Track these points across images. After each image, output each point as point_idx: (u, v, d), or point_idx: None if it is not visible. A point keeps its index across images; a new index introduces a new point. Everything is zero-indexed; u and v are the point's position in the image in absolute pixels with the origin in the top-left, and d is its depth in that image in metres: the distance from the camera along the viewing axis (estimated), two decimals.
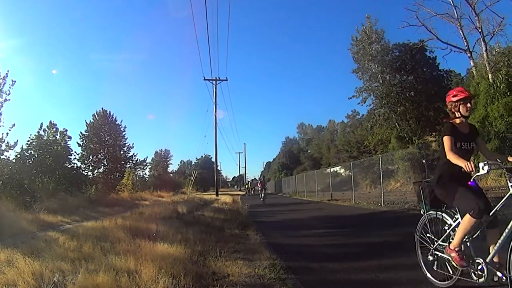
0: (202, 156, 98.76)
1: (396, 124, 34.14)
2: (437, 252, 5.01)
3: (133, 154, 54.50)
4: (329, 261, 7.06)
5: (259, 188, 32.85)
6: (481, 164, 4.09)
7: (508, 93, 21.01)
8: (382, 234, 10.43)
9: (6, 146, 19.36)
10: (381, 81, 35.07)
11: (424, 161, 25.26)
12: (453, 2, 28.02)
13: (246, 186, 37.27)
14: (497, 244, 4.13)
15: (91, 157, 50.45)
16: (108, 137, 51.94)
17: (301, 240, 10.13)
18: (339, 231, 9.94)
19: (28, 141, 23.39)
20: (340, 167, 41.76)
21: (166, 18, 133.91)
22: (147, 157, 63.17)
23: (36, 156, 22.66)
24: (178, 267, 5.67)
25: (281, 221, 16.29)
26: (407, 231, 10.87)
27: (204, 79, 43.76)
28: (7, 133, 18.72)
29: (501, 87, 21.39)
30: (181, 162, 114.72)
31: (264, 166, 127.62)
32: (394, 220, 14.32)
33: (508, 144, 20.37)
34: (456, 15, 27.90)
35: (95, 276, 5.03)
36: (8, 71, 18.58)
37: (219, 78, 43.84)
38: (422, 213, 5.42)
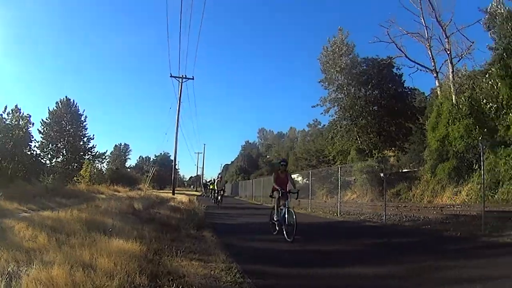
0: (161, 154, 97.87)
1: (357, 136, 34.58)
2: None
3: (93, 145, 53.37)
4: (286, 266, 7.12)
5: (216, 190, 29.92)
6: None
7: (469, 115, 21.43)
8: (339, 243, 10.61)
9: None
10: (346, 93, 35.45)
11: (382, 174, 25.57)
12: (425, 23, 28.57)
13: (211, 187, 35.12)
14: None
15: (50, 145, 49.00)
16: (69, 127, 50.56)
17: (257, 245, 10.10)
18: (296, 238, 9.85)
19: None
20: (298, 174, 41.86)
21: (138, 10, 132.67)
22: (107, 150, 62.09)
23: None
24: (133, 264, 5.55)
25: (237, 224, 16.35)
26: (363, 242, 10.95)
27: (171, 76, 43.23)
28: None
29: (464, 109, 21.84)
30: (139, 158, 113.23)
31: (222, 168, 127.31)
32: (350, 230, 14.47)
33: (465, 164, 20.74)
34: (426, 35, 28.45)
35: (50, 268, 4.81)
36: None
37: (185, 76, 43.29)
38: None
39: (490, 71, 23.01)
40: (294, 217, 10.21)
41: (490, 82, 22.50)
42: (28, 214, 13.11)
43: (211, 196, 34.59)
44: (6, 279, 4.43)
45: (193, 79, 44.25)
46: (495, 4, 24.92)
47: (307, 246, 9.94)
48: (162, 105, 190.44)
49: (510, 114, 19.88)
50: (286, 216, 10.55)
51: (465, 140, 21.03)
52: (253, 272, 6.42)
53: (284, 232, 10.48)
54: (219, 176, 30.82)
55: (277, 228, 11.34)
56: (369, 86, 34.48)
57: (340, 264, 7.26)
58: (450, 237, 10.99)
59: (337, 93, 36.46)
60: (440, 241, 10.60)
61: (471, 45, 26.50)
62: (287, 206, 10.73)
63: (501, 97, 20.96)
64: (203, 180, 77.14)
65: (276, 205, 11.48)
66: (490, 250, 8.82)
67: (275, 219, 11.50)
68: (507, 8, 23.91)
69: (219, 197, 28.53)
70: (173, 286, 5.04)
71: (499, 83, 20.52)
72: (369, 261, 7.02)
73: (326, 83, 37.31)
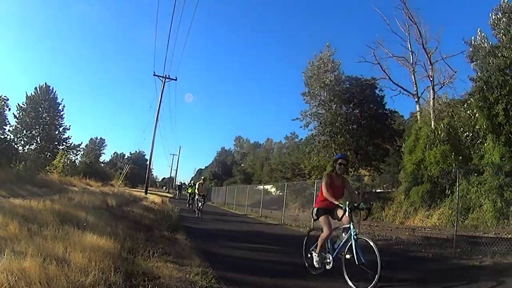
0: (136, 152, 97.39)
1: (335, 153, 34.61)
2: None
3: (68, 136, 52.91)
4: (262, 275, 7.15)
5: (196, 194, 23.49)
6: None
7: (446, 142, 21.80)
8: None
9: None
10: (327, 109, 35.55)
11: (356, 192, 25.75)
12: (411, 48, 29.08)
13: (189, 190, 30.32)
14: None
15: (24, 132, 48.22)
16: (45, 114, 49.91)
17: (232, 252, 10.05)
18: (271, 248, 9.96)
19: None
20: (271, 186, 42.02)
21: (131, 8, 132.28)
22: (82, 142, 61.06)
23: None
24: (107, 261, 5.52)
25: (211, 229, 16.19)
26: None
27: (154, 75, 42.51)
28: None
29: (442, 135, 22.18)
30: (114, 153, 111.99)
31: (196, 172, 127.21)
32: None
33: (438, 189, 21.07)
34: (412, 60, 28.93)
35: (22, 259, 4.75)
36: None
37: (168, 76, 42.94)
38: None
39: (469, 101, 23.61)
40: (376, 250, 6.25)
41: (468, 112, 23.17)
42: None
43: (188, 201, 30.24)
44: None
45: (176, 80, 43.82)
46: (479, 38, 25.45)
47: (281, 257, 10.00)
48: (142, 103, 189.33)
49: (485, 143, 20.34)
50: (355, 249, 6.55)
51: (440, 165, 21.39)
52: (229, 279, 6.44)
53: (348, 279, 6.60)
54: (202, 178, 24.69)
55: (329, 265, 7.13)
56: (351, 105, 34.64)
57: (314, 277, 7.29)
58: (422, 258, 11.10)
59: (318, 108, 36.54)
60: (412, 261, 10.74)
61: (453, 74, 27.16)
62: (353, 232, 6.71)
63: (477, 127, 21.51)
64: (178, 182, 76.71)
65: (326, 230, 7.19)
66: (460, 271, 9.03)
67: (328, 255, 7.24)
68: (490, 43, 24.52)
69: (199, 204, 22.27)
70: (148, 286, 5.08)
71: (477, 114, 20.91)
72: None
73: (308, 97, 37.37)
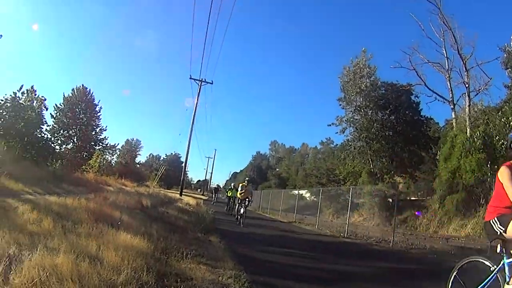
0: (171, 153, 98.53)
1: (370, 159, 34.48)
2: None
3: (105, 137, 53.25)
4: (296, 281, 7.01)
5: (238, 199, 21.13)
6: None
7: (482, 150, 21.44)
8: (350, 264, 10.50)
9: None
10: (363, 115, 35.35)
11: (390, 200, 25.58)
12: (446, 54, 28.54)
13: (229, 194, 28.38)
14: None
15: (62, 131, 48.88)
16: (82, 115, 50.44)
17: (266, 256, 10.01)
18: (307, 254, 9.91)
19: (2, 100, 22.80)
20: (306, 191, 41.87)
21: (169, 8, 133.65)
22: (118, 143, 62.02)
23: (7, 117, 22.09)
24: (140, 261, 5.59)
25: (245, 233, 16.09)
26: (374, 264, 10.94)
27: (190, 78, 43.25)
28: None
29: (477, 143, 21.82)
30: (150, 155, 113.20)
31: (231, 175, 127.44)
32: (360, 252, 14.35)
33: (474, 198, 20.73)
34: (447, 66, 28.42)
35: (54, 255, 4.84)
36: None
37: (205, 79, 43.39)
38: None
39: (504, 109, 23.08)
40: None
41: (503, 120, 22.58)
42: (33, 197, 13.10)
43: (228, 204, 28.93)
44: (7, 262, 4.43)
45: (212, 83, 44.50)
46: None
47: (318, 263, 9.96)
48: (179, 105, 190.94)
49: None
50: None
51: (475, 174, 21.04)
52: (262, 283, 6.46)
53: None
54: (246, 180, 22.23)
55: None
56: (387, 111, 34.50)
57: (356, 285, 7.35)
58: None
59: (354, 113, 36.36)
60: (447, 270, 10.68)
61: (489, 81, 26.46)
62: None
63: None
64: (214, 185, 76.79)
65: None
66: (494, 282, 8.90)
67: None
68: None
69: (242, 210, 19.49)
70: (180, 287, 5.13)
71: None
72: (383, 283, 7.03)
73: (344, 102, 37.27)
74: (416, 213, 21.37)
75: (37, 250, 4.87)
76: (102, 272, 4.76)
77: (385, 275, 9.03)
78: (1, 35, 20.03)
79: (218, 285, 5.82)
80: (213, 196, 50.14)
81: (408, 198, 28.78)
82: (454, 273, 5.25)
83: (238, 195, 20.72)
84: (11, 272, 4.23)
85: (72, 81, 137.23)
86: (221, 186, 69.15)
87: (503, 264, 4.28)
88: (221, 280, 6.10)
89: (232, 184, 32.26)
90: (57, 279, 4.22)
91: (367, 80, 35.64)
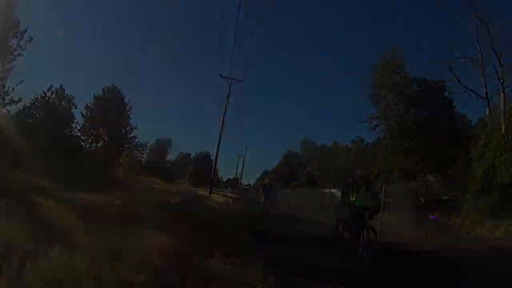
0: (201, 152, 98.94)
1: (402, 157, 33.91)
2: None
3: (135, 135, 53.89)
4: (326, 282, 6.92)
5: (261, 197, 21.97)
6: None
7: None
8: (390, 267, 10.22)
9: (9, 100, 19.24)
10: (395, 112, 34.85)
11: (422, 199, 25.11)
12: (480, 49, 27.90)
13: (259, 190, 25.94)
14: None
15: (91, 130, 49.52)
16: (113, 114, 51.06)
17: (295, 256, 9.64)
18: (338, 255, 9.56)
19: (33, 100, 23.16)
20: (337, 190, 41.52)
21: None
22: (149, 141, 62.60)
23: (38, 116, 22.42)
24: (165, 257, 5.57)
25: (275, 232, 15.51)
26: (410, 265, 10.62)
27: (220, 76, 43.13)
28: (13, 88, 18.61)
29: None
30: (179, 153, 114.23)
31: (262, 174, 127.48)
32: (394, 253, 13.85)
33: (509, 198, 20.10)
34: (481, 62, 27.77)
35: (73, 252, 4.78)
36: (27, 27, 18.57)
37: (235, 78, 43.10)
38: None
39: None
40: None
41: None
42: (60, 194, 12.78)
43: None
44: (22, 258, 4.37)
45: (243, 81, 44.15)
46: None
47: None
48: (210, 104, 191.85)
49: None
50: None
51: (510, 172, 20.46)
52: (290, 285, 6.38)
53: None
54: (268, 179, 23.38)
55: None
56: (419, 108, 33.92)
57: None
58: (490, 270, 10.51)
59: (386, 111, 35.95)
60: (486, 273, 10.32)
61: None
62: None
63: None
64: (245, 184, 76.95)
65: None
66: None
67: None
68: None
69: (266, 206, 21.07)
70: (205, 286, 5.00)
71: None
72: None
73: (375, 100, 36.90)
74: (431, 217, 20.63)
75: (56, 246, 4.84)
76: (122, 271, 4.68)
77: (420, 277, 8.74)
78: (32, 38, 20.20)
79: (244, 286, 5.69)
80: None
81: (440, 198, 28.24)
82: None
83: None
84: (25, 269, 4.17)
85: (100, 81, 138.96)
86: (250, 184, 68.95)
87: None
88: (247, 281, 5.92)
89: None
90: (73, 278, 4.14)
91: (398, 77, 35.09)
